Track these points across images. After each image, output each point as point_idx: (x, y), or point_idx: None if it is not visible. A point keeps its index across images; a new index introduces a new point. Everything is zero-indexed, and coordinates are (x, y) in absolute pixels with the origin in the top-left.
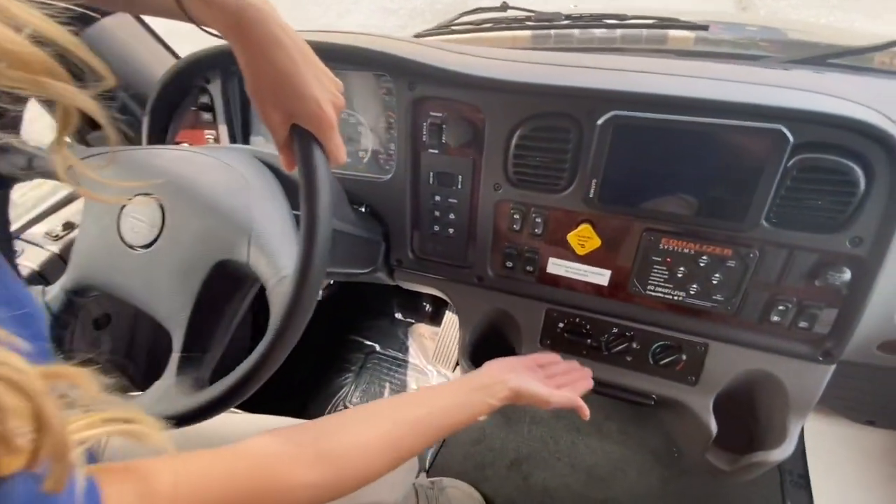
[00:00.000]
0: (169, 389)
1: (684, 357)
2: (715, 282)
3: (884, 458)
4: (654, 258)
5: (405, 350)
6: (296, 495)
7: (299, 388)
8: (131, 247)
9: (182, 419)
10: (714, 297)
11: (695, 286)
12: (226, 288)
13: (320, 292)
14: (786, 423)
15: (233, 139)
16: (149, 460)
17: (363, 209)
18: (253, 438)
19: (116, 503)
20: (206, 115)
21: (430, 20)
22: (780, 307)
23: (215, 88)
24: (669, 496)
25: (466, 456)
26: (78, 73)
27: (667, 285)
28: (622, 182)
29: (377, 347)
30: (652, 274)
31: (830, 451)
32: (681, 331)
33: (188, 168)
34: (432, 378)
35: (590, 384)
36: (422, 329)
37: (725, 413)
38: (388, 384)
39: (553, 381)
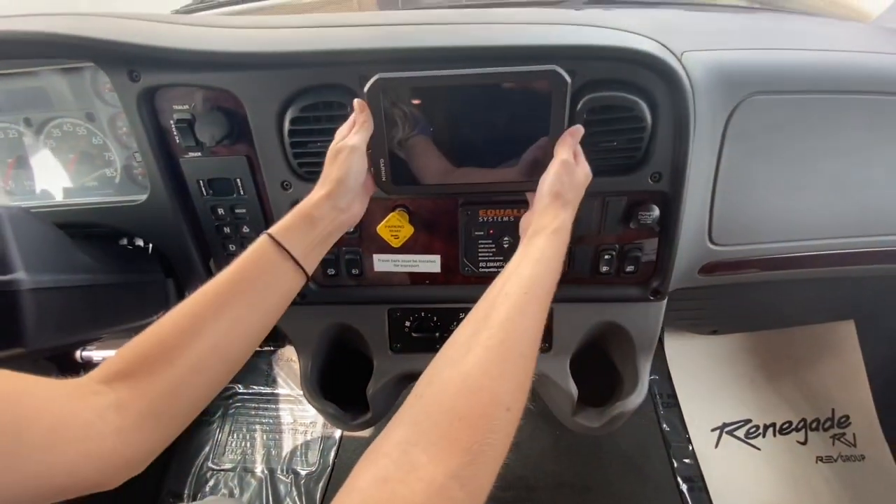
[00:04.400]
0: None
1: None
2: None
3: (729, 360)
4: (476, 233)
5: (272, 381)
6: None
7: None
8: None
9: None
10: None
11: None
12: None
13: None
14: (636, 366)
15: None
16: None
17: (140, 244)
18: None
19: None
20: None
21: None
22: (606, 256)
23: None
24: (562, 452)
25: None
26: None
27: (497, 258)
28: (413, 157)
29: (239, 388)
30: (480, 250)
31: (688, 365)
32: None
33: None
34: (308, 405)
35: None
36: (287, 353)
37: (587, 373)
38: (258, 426)
39: None
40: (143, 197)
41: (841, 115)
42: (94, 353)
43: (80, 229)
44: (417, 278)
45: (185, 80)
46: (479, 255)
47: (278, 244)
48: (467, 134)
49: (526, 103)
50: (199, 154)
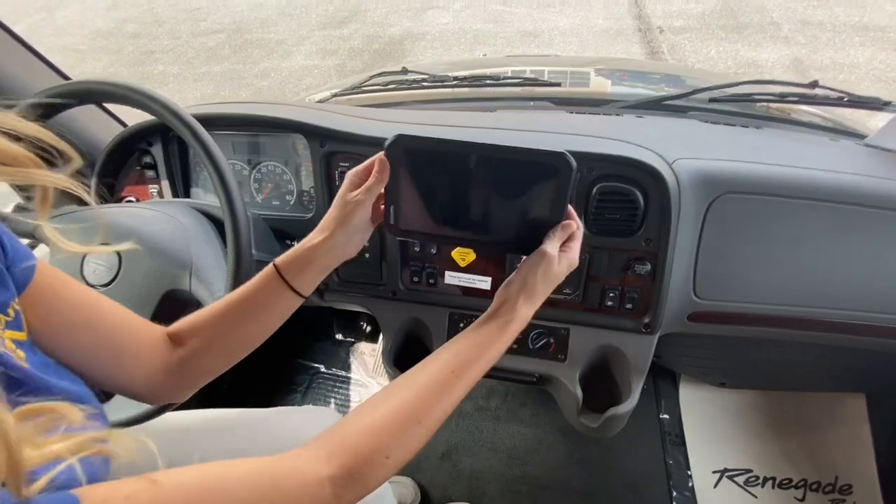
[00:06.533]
0: (127, 400)
1: (552, 340)
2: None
3: (736, 413)
4: (517, 264)
5: (348, 368)
6: (310, 493)
7: None
8: (93, 286)
9: (136, 420)
10: (565, 291)
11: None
12: (175, 312)
13: None
14: (630, 383)
15: (175, 192)
16: (130, 478)
17: (291, 243)
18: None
19: None
20: (150, 173)
21: (368, 60)
22: (611, 294)
23: (157, 150)
24: (573, 464)
25: None
26: (47, 158)
27: None
28: (419, 208)
29: (322, 368)
30: None
31: (699, 413)
32: (548, 319)
33: (137, 220)
34: (373, 389)
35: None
36: (362, 347)
37: (592, 383)
38: (333, 401)
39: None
40: (309, 215)
41: (797, 215)
42: None
43: None
44: (472, 292)
45: (350, 150)
46: None
47: (281, 275)
48: (470, 196)
49: (534, 183)
50: None
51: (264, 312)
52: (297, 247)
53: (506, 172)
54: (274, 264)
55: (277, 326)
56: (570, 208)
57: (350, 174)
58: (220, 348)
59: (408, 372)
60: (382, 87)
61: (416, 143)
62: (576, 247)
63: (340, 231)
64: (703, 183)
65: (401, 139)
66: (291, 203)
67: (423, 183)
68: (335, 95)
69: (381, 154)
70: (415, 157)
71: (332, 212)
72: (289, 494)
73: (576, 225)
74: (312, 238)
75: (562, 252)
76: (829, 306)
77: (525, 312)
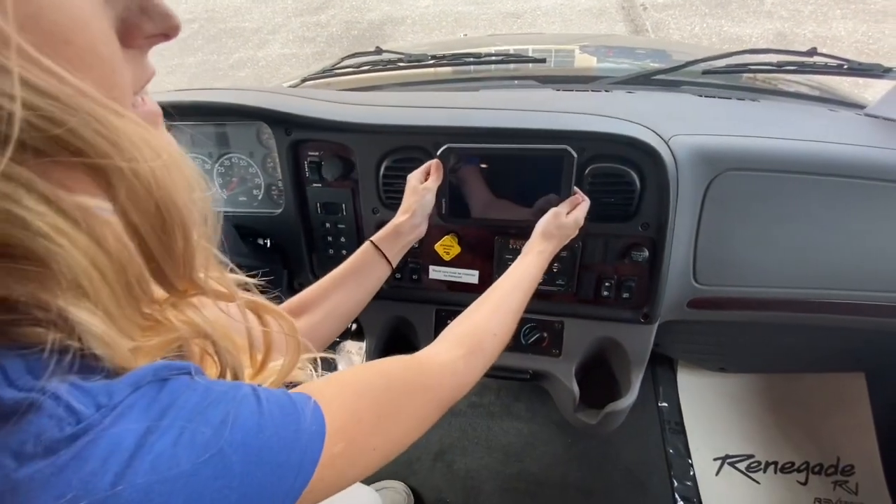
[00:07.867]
0: None
1: (546, 335)
2: (555, 269)
3: (736, 398)
4: (507, 256)
5: (334, 368)
6: (449, 369)
7: None
8: None
9: None
10: (558, 282)
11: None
12: None
13: None
14: (629, 375)
15: None
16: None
17: (265, 242)
18: None
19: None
20: None
21: (347, 46)
22: (606, 284)
23: None
24: (572, 458)
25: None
26: None
27: None
28: (462, 198)
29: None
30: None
31: (698, 399)
32: (541, 313)
33: None
34: None
35: None
36: (348, 346)
37: (589, 379)
38: None
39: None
40: (278, 210)
41: (802, 191)
42: None
43: None
44: (459, 287)
45: (318, 137)
46: None
47: (378, 248)
48: (502, 186)
49: (545, 170)
50: (320, 185)
51: (367, 280)
52: (388, 226)
53: (525, 165)
54: (370, 241)
55: (373, 295)
56: (576, 189)
57: (412, 175)
58: (336, 315)
59: (486, 292)
60: (355, 69)
61: (458, 150)
62: (579, 212)
63: (420, 211)
64: (703, 160)
65: (449, 149)
66: (259, 198)
67: (466, 179)
68: (305, 80)
69: (436, 160)
70: (459, 160)
71: (408, 198)
72: (434, 372)
73: (581, 198)
74: (398, 217)
75: (569, 214)
76: (832, 287)
77: (548, 248)
